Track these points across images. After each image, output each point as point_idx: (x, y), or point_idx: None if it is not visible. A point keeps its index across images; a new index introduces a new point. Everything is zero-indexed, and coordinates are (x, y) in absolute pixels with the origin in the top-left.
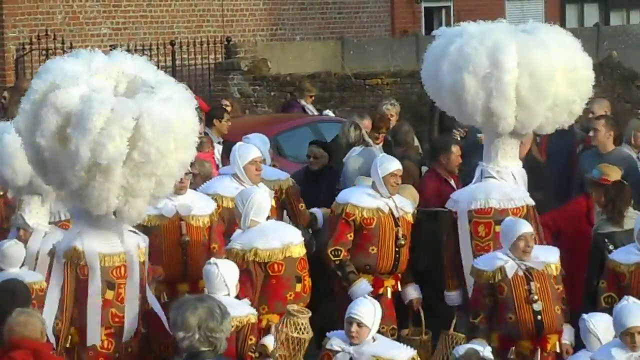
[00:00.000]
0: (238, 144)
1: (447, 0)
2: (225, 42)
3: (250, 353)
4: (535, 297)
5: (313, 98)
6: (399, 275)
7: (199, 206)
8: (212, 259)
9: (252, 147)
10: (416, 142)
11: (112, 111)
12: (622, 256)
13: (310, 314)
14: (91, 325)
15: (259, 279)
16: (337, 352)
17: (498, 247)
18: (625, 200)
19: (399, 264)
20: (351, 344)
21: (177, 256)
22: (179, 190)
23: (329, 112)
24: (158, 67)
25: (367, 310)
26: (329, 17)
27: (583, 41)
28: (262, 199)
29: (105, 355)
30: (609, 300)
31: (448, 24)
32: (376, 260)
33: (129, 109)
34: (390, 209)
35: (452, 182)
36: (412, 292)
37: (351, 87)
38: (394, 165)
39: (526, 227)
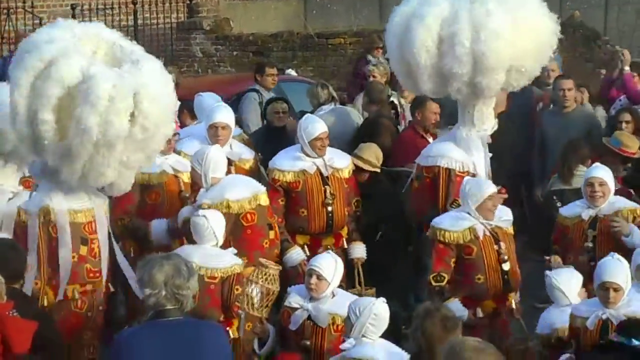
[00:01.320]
0: (214, 105)
1: None
2: (188, 1)
3: (237, 303)
4: (505, 257)
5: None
6: (340, 232)
7: (184, 164)
8: (200, 211)
9: (218, 111)
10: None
11: (114, 87)
12: (568, 210)
13: (280, 268)
14: (63, 282)
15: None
16: (297, 309)
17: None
18: (577, 159)
19: (333, 222)
20: (311, 299)
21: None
22: (168, 151)
23: (291, 72)
24: (120, 26)
25: (327, 263)
26: None
27: (546, 1)
28: (217, 155)
29: (78, 314)
30: (554, 253)
31: None
32: (307, 221)
33: (129, 84)
34: (317, 169)
35: (430, 138)
36: (355, 251)
37: (314, 47)
38: (319, 128)
39: (493, 187)
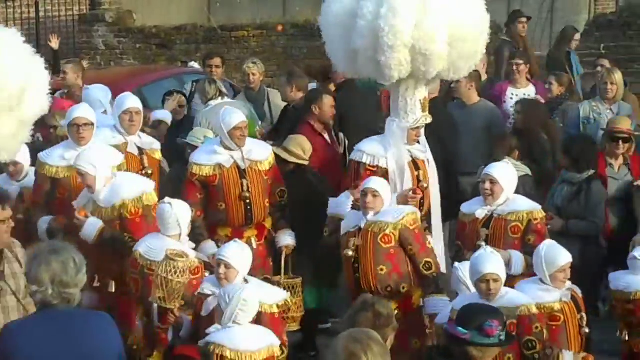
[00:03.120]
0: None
1: None
2: None
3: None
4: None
5: None
6: (263, 224)
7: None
8: (167, 198)
9: (129, 97)
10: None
11: None
12: (468, 206)
13: (192, 260)
14: None
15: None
16: (209, 295)
17: None
18: (504, 151)
19: (253, 215)
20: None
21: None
22: (80, 141)
23: (194, 64)
24: (21, 18)
25: (234, 252)
26: None
27: None
28: (106, 152)
29: None
30: (457, 249)
31: None
32: (226, 214)
33: None
34: (235, 162)
35: (326, 136)
36: (282, 239)
37: (217, 40)
38: (237, 118)
39: (369, 183)
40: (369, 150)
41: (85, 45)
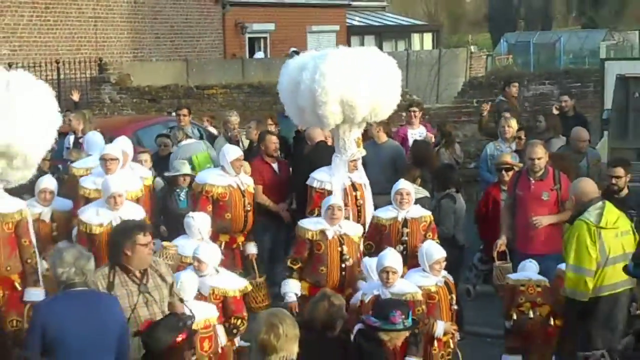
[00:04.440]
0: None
1: (265, 32)
2: (99, 61)
3: None
4: (347, 256)
5: None
6: (246, 232)
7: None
8: (190, 212)
9: (106, 146)
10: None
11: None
12: (383, 213)
13: (177, 247)
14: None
15: None
16: None
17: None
18: (410, 178)
19: (247, 224)
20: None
21: None
22: (107, 171)
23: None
24: (46, 79)
25: (204, 249)
26: (177, 44)
27: None
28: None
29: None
30: (367, 247)
31: (265, 50)
32: (231, 224)
33: None
34: (238, 185)
35: (275, 165)
36: (250, 249)
37: (193, 96)
38: (237, 152)
39: (333, 200)
40: (318, 177)
41: (95, 100)
